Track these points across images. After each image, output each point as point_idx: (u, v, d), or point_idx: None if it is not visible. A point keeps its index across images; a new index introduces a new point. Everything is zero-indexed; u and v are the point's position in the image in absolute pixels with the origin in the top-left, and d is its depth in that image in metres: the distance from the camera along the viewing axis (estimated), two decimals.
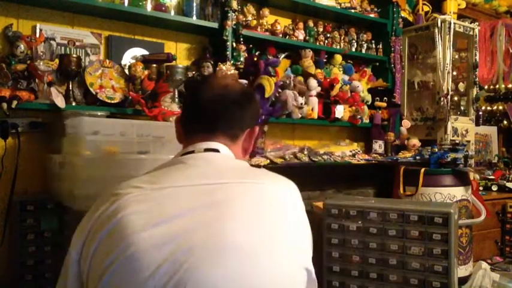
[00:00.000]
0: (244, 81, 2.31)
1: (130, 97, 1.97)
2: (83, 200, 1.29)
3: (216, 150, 0.93)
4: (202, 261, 0.71)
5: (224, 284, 0.71)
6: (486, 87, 3.92)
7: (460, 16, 3.45)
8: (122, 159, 1.41)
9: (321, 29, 2.73)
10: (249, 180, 0.86)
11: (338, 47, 2.78)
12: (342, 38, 2.81)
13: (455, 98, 3.19)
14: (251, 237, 0.76)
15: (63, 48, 1.97)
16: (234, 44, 2.26)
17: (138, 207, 0.76)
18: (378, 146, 2.83)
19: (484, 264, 2.37)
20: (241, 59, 2.28)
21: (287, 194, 0.88)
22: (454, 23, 2.98)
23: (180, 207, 0.77)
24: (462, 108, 3.25)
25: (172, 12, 2.17)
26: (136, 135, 1.51)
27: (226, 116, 0.96)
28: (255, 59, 2.30)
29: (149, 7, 2.08)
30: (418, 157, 2.63)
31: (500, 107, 4.11)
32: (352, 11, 2.83)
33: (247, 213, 0.79)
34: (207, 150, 0.92)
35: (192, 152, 0.92)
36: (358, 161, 2.58)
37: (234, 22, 2.26)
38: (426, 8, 3.30)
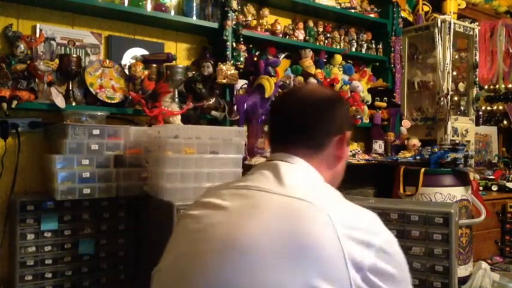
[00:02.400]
0: (245, 81, 2.31)
1: (130, 97, 1.97)
2: (168, 191, 1.58)
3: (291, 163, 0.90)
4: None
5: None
6: (486, 87, 3.92)
7: (460, 16, 3.45)
8: (197, 158, 1.67)
9: (321, 29, 2.73)
10: (296, 195, 0.78)
11: (338, 47, 2.78)
12: (342, 38, 2.81)
13: (455, 98, 3.19)
14: (262, 247, 0.73)
15: (63, 48, 1.97)
16: (234, 44, 2.26)
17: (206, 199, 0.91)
18: (378, 146, 2.83)
19: (484, 264, 2.37)
20: (241, 59, 2.28)
21: (340, 223, 0.74)
22: (454, 23, 2.98)
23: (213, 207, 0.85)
24: (462, 108, 3.25)
25: (172, 12, 2.17)
26: (209, 138, 1.71)
27: (299, 125, 0.93)
28: (255, 59, 2.30)
29: (149, 7, 2.08)
30: (418, 157, 2.63)
31: (500, 107, 4.10)
32: (352, 11, 2.83)
33: (270, 223, 0.76)
34: (283, 160, 0.91)
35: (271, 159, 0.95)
36: (358, 161, 2.58)
37: (234, 22, 2.26)
38: (426, 8, 3.30)
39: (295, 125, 0.94)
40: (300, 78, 2.54)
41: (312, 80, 2.52)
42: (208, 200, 0.87)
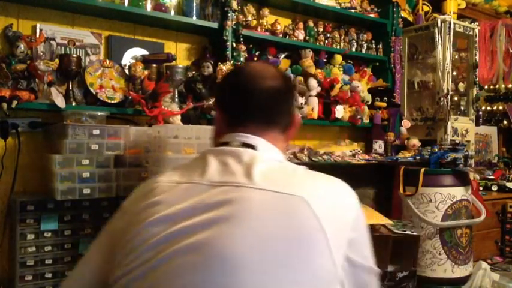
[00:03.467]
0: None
1: (130, 97, 1.97)
2: None
3: (253, 147, 0.87)
4: (183, 267, 0.70)
5: None
6: (486, 87, 3.93)
7: (460, 16, 3.45)
8: None
9: (321, 29, 2.73)
10: (274, 188, 0.75)
11: (338, 47, 2.78)
12: (342, 38, 2.81)
13: (455, 98, 3.19)
14: (243, 252, 0.69)
15: (63, 48, 1.97)
16: (234, 44, 2.26)
17: (157, 199, 0.80)
18: (378, 146, 2.83)
19: (484, 264, 2.38)
20: (241, 59, 2.28)
21: (320, 208, 0.73)
22: (454, 23, 2.98)
23: (183, 206, 0.76)
24: (462, 108, 3.25)
25: (172, 12, 2.17)
26: (209, 138, 1.68)
27: (264, 103, 0.92)
28: (255, 59, 2.30)
29: (149, 7, 2.08)
30: (418, 157, 2.63)
31: (500, 107, 4.10)
32: (352, 11, 2.83)
33: (251, 227, 0.71)
34: (244, 145, 0.87)
35: (227, 143, 0.89)
36: (358, 161, 2.58)
37: (234, 22, 2.26)
38: (426, 8, 3.30)
39: (259, 104, 0.91)
40: (300, 78, 2.54)
41: (312, 80, 2.52)
42: (183, 205, 0.77)
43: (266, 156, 0.86)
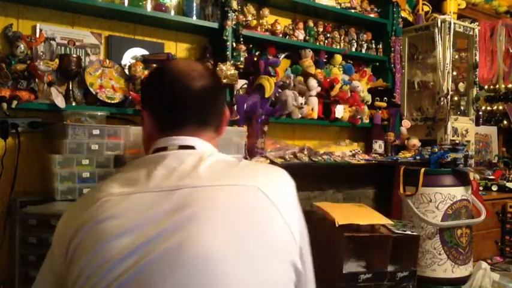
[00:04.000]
0: (244, 81, 2.31)
1: (130, 97, 1.97)
2: None
3: (192, 147, 0.87)
4: (162, 273, 0.68)
5: None
6: (486, 87, 3.93)
7: (460, 16, 3.45)
8: None
9: (321, 29, 2.73)
10: (227, 182, 0.79)
11: (338, 47, 2.78)
12: (342, 38, 2.81)
13: (455, 98, 3.19)
14: (219, 248, 0.71)
15: (63, 48, 1.97)
16: (234, 44, 2.26)
17: (111, 213, 0.74)
18: (378, 146, 2.83)
19: (484, 264, 2.38)
20: (241, 59, 2.28)
21: (271, 193, 0.79)
22: (454, 23, 2.98)
23: (144, 216, 0.73)
24: (462, 108, 3.25)
25: (172, 12, 2.17)
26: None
27: (194, 104, 0.90)
28: (255, 59, 2.30)
29: (149, 7, 2.08)
30: (418, 157, 2.63)
31: (500, 107, 4.11)
32: (352, 11, 2.83)
33: (219, 222, 0.73)
34: (181, 147, 0.86)
35: (165, 148, 0.87)
36: (358, 161, 2.58)
37: (234, 22, 2.26)
38: (426, 8, 3.30)
39: (191, 106, 0.89)
40: (300, 78, 2.54)
41: (312, 80, 2.52)
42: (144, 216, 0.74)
43: (207, 154, 0.86)
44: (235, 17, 2.27)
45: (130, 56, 2.12)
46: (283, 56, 2.60)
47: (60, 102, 1.78)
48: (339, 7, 2.79)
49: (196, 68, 0.93)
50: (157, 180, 0.78)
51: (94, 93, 1.93)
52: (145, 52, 2.15)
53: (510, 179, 3.58)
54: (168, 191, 0.76)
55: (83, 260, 0.72)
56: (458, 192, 2.42)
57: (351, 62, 2.87)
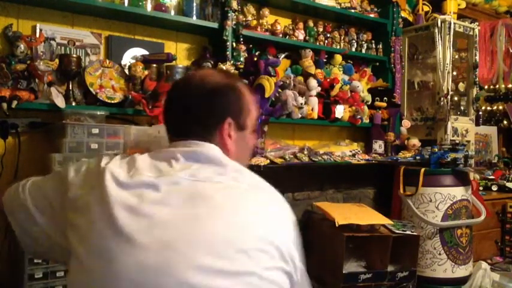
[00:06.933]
0: (245, 81, 2.31)
1: (130, 97, 1.97)
2: None
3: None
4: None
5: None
6: (486, 87, 3.93)
7: (460, 16, 3.45)
8: None
9: (321, 29, 2.73)
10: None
11: (338, 47, 2.78)
12: (342, 38, 2.81)
13: (455, 98, 3.19)
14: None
15: (63, 48, 1.97)
16: (234, 44, 2.26)
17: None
18: (378, 146, 2.83)
19: (484, 264, 2.38)
20: (241, 59, 2.28)
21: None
22: (454, 23, 2.98)
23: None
24: (462, 108, 3.25)
25: (172, 12, 2.17)
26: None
27: (190, 115, 0.97)
28: (255, 59, 2.30)
29: (149, 7, 2.09)
30: (418, 157, 2.63)
31: (500, 107, 4.11)
32: (352, 11, 2.83)
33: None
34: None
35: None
36: (358, 161, 2.58)
37: (234, 22, 2.26)
38: (426, 8, 3.30)
39: (187, 115, 0.97)
40: (300, 78, 2.54)
41: (312, 80, 2.52)
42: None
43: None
44: (235, 17, 2.27)
45: (130, 56, 2.12)
46: (283, 56, 2.60)
47: (60, 102, 1.78)
48: (339, 7, 2.79)
49: (206, 81, 0.98)
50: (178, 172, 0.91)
51: (94, 93, 1.94)
52: (145, 52, 2.15)
53: (510, 179, 3.58)
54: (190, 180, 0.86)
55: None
56: (458, 192, 2.42)
57: (351, 62, 2.87)
